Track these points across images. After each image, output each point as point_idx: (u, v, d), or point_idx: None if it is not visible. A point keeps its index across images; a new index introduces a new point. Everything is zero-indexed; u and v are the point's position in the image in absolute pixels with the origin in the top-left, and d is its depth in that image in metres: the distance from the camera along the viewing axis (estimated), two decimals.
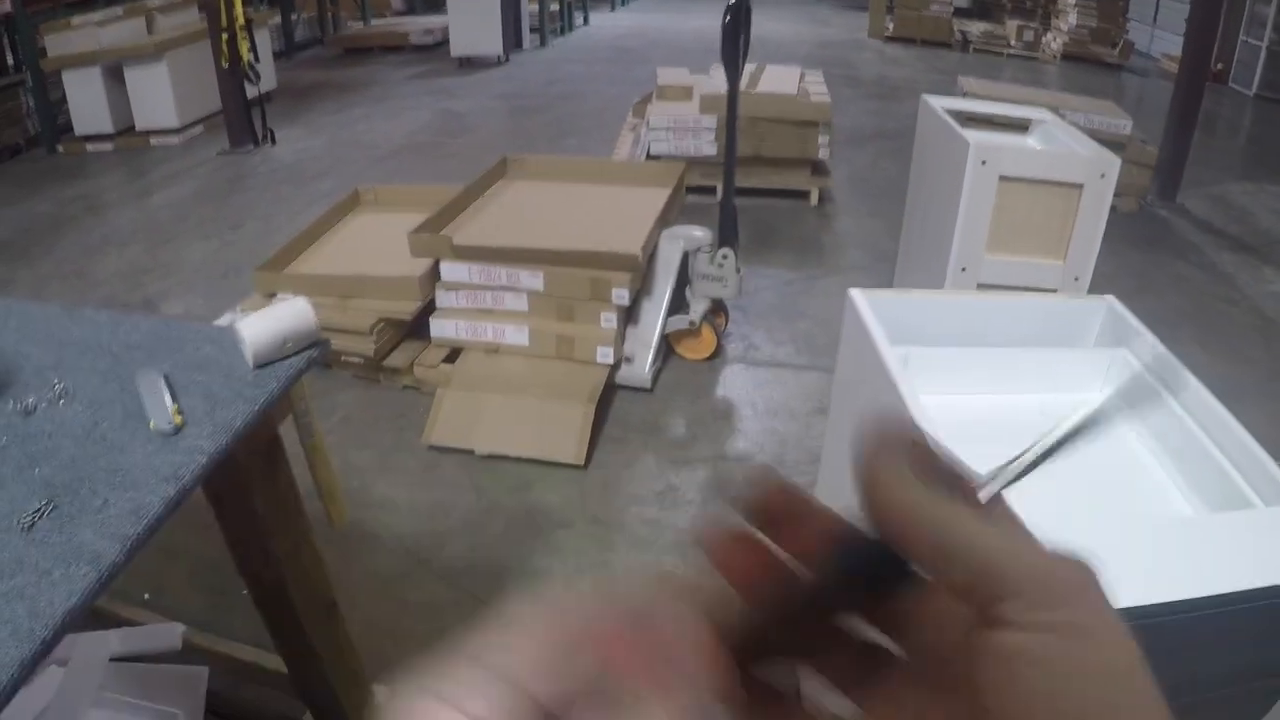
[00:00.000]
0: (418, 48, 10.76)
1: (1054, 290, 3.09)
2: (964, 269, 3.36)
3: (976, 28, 11.93)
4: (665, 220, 4.02)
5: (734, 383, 3.99)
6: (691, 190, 4.96)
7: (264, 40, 7.73)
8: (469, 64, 9.88)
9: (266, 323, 1.40)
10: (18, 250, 5.22)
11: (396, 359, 3.74)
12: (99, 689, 1.84)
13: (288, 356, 1.44)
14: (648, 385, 3.80)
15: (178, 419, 1.29)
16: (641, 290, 3.85)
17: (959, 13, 12.22)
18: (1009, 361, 1.82)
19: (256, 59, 6.71)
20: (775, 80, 5.95)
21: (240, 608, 2.64)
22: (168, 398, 1.33)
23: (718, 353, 4.11)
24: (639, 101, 6.51)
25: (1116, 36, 11.10)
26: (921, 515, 0.30)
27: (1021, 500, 1.05)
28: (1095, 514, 1.48)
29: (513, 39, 10.28)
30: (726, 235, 3.84)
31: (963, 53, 11.54)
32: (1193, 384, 1.62)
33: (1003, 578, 0.28)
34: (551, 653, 0.26)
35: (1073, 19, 11.05)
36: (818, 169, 6.10)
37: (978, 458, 1.12)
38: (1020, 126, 3.87)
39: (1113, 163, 3.12)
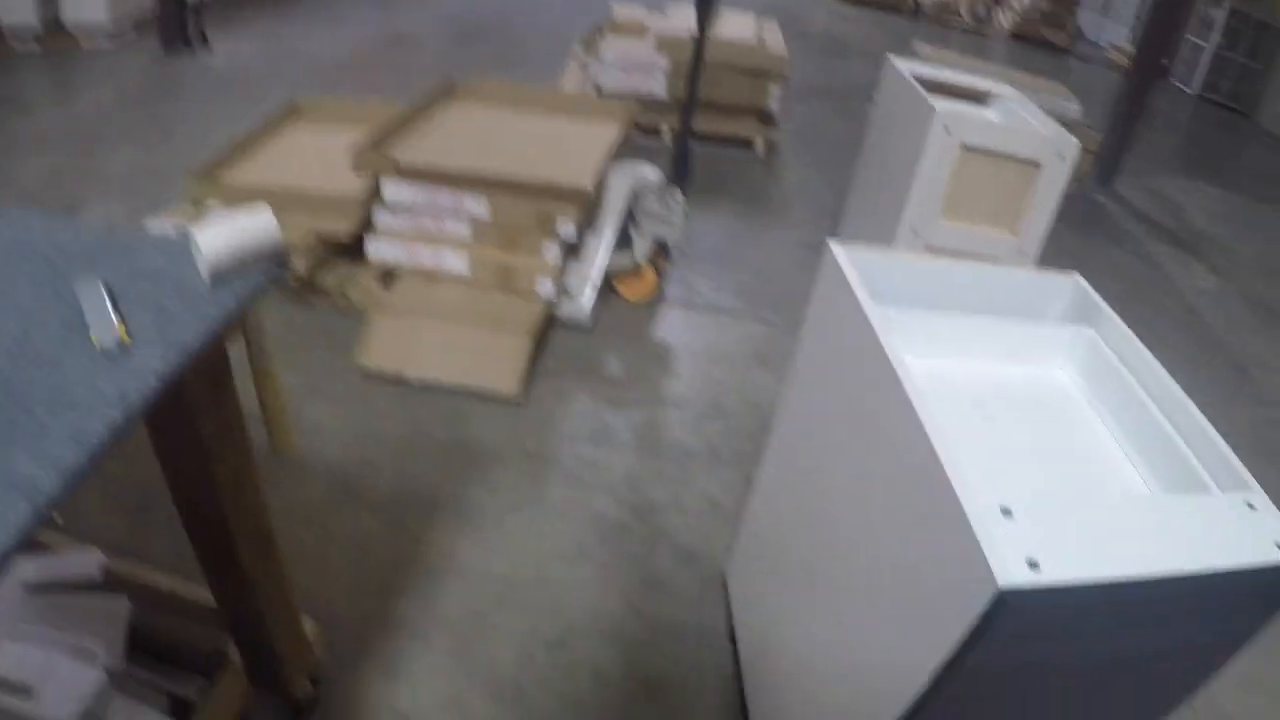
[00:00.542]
0: None
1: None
2: (915, 232, 3.35)
3: None
4: (614, 157, 3.91)
5: (673, 326, 3.92)
6: (635, 130, 4.83)
7: None
8: None
9: (226, 233, 1.28)
10: None
11: (329, 279, 3.58)
12: (10, 619, 1.71)
13: (247, 272, 1.32)
14: (587, 322, 3.72)
15: (124, 335, 1.17)
16: (586, 226, 3.74)
17: None
18: (976, 329, 1.79)
19: None
20: (732, 27, 5.81)
21: (158, 530, 2.53)
22: (111, 310, 1.20)
23: (658, 295, 4.04)
24: (587, 34, 6.32)
25: (1067, 21, 11.16)
26: None
27: (984, 467, 1.03)
28: (1055, 487, 1.48)
29: None
30: (678, 176, 3.74)
31: (914, 19, 11.47)
32: (1155, 367, 1.62)
33: None
34: None
35: None
36: (766, 119, 6.04)
37: (963, 426, 1.08)
38: (975, 97, 3.84)
39: (1072, 145, 3.14)
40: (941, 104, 3.26)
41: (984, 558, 1.10)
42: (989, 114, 3.69)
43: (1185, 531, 1.23)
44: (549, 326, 3.66)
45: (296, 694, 2.02)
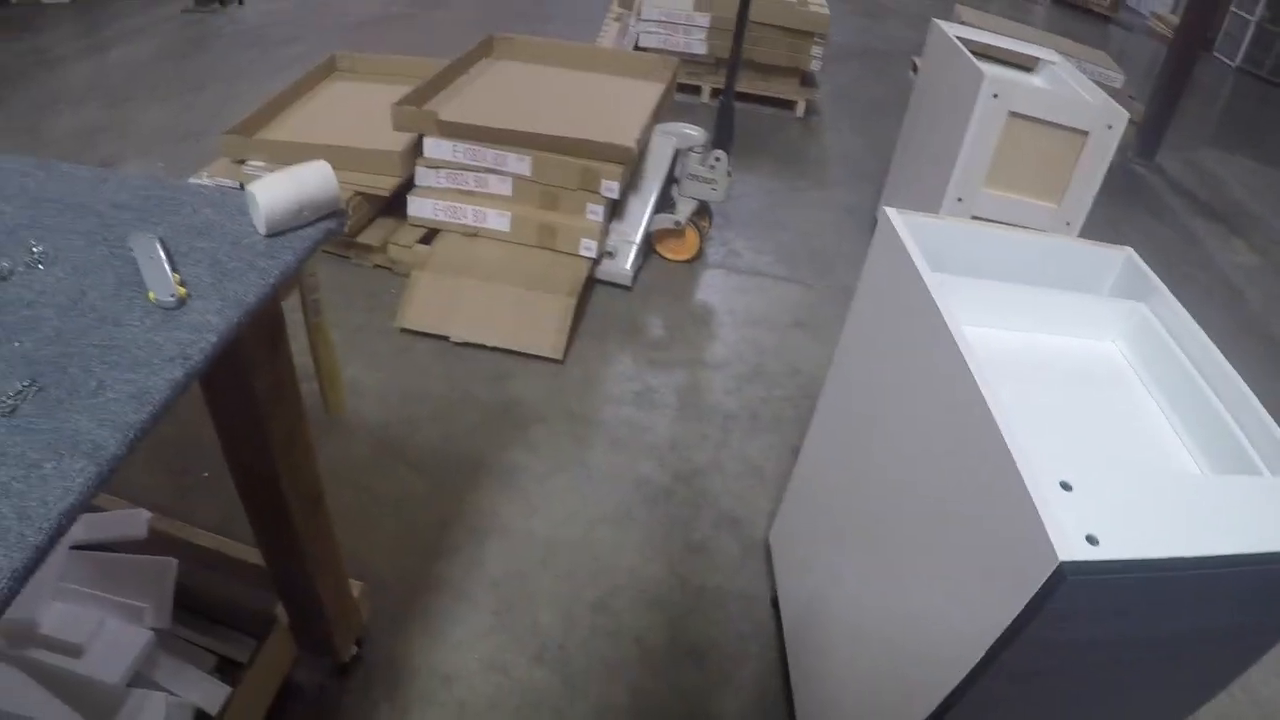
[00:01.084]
0: None
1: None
2: (960, 199, 3.28)
3: None
4: (658, 116, 3.85)
5: (713, 288, 3.88)
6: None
7: None
8: None
9: (284, 186, 1.24)
10: None
11: (370, 236, 3.55)
12: (59, 579, 1.71)
13: (303, 226, 1.28)
14: (629, 282, 3.68)
15: (181, 290, 1.14)
16: (629, 185, 3.69)
17: None
18: (1030, 299, 1.76)
19: None
20: None
21: (204, 491, 2.53)
22: (167, 265, 1.18)
23: (699, 256, 3.99)
24: None
25: None
26: None
27: (1042, 440, 0.99)
28: (1111, 462, 1.45)
29: None
30: (722, 137, 3.68)
31: None
32: (1208, 345, 1.59)
33: None
34: None
35: None
36: (806, 80, 5.97)
37: (1019, 397, 1.04)
38: (1021, 64, 3.75)
39: (1120, 115, 3.05)
40: (990, 69, 3.18)
41: (1044, 531, 1.08)
42: (1036, 80, 3.60)
43: (1239, 513, 1.21)
44: (590, 286, 3.62)
45: (342, 655, 2.02)
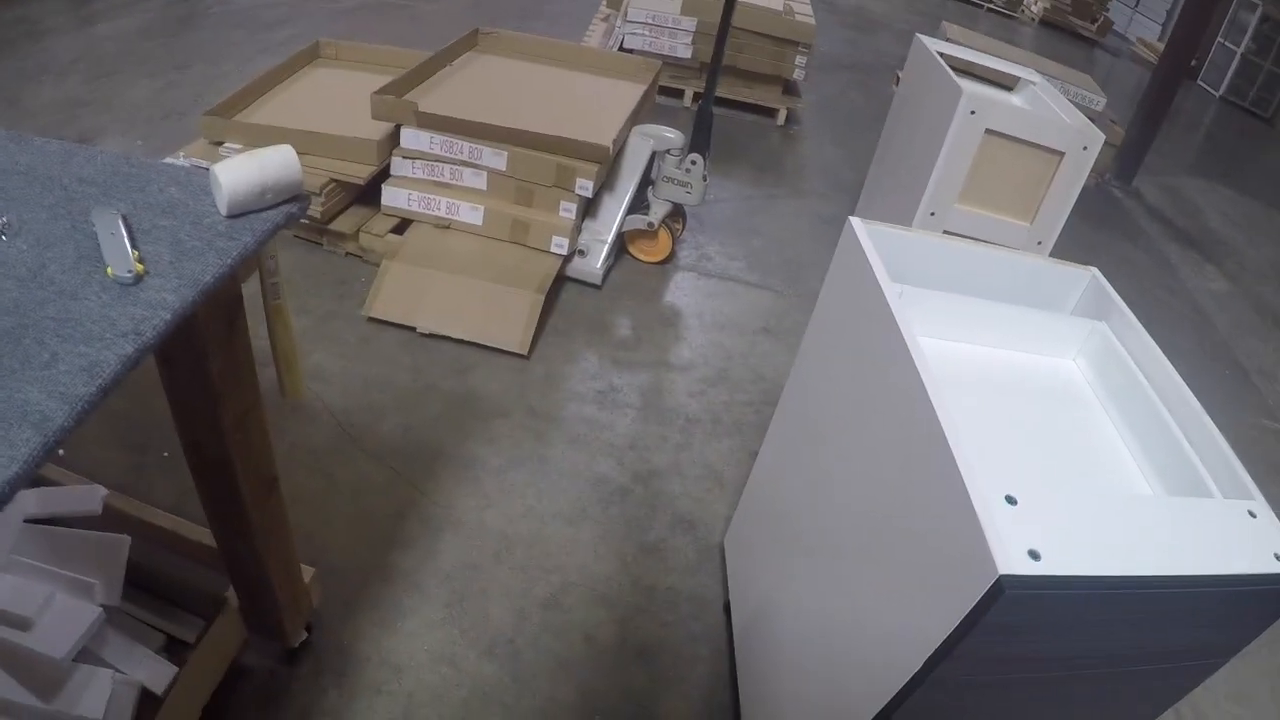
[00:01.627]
0: None
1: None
2: (933, 214, 3.31)
3: None
4: (637, 117, 3.87)
5: (683, 291, 3.90)
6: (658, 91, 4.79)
7: None
8: None
9: (247, 168, 1.24)
10: None
11: (342, 224, 3.54)
12: (10, 552, 1.70)
13: (266, 209, 1.29)
14: (599, 281, 3.69)
15: (139, 267, 1.14)
16: (604, 185, 3.71)
17: None
18: (993, 314, 1.77)
19: None
20: None
21: (160, 469, 2.52)
22: (127, 241, 1.18)
23: (671, 258, 4.01)
24: None
25: (1097, 12, 11.05)
26: None
27: (991, 453, 1.01)
28: (1060, 479, 1.47)
29: None
30: (699, 141, 3.70)
31: None
32: (1167, 368, 1.60)
33: None
34: None
35: None
36: (789, 89, 6.00)
37: (972, 410, 1.06)
38: (1002, 83, 3.80)
39: (1097, 137, 3.09)
40: (968, 86, 3.21)
41: (985, 544, 1.09)
42: (1015, 100, 3.64)
43: (1187, 535, 1.22)
44: (560, 284, 3.63)
45: (291, 640, 2.02)
